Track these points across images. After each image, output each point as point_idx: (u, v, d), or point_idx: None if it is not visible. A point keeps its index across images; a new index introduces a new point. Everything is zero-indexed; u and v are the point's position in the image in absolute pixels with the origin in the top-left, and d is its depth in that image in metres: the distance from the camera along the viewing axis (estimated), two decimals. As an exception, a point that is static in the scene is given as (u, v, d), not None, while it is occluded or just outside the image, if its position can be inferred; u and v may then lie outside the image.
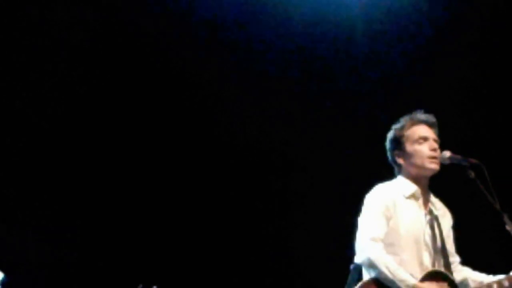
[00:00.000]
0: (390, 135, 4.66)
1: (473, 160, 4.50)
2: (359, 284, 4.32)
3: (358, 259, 4.36)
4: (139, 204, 6.77)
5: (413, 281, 4.27)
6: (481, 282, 4.56)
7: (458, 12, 7.00)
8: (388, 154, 4.66)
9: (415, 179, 4.56)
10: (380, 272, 4.25)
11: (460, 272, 4.65)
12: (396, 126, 4.65)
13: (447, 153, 4.54)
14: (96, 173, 6.75)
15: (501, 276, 4.56)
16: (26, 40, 6.60)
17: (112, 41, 6.86)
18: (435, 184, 4.67)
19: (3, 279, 4.57)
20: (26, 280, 5.89)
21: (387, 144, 4.66)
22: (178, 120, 7.01)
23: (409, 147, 4.54)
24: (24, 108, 6.62)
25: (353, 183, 5.31)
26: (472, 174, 4.46)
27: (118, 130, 6.84)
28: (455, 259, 4.67)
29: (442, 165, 4.55)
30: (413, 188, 4.54)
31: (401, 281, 4.23)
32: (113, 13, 6.81)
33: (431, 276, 4.39)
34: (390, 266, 4.25)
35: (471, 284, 4.60)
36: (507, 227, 4.40)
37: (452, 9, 6.99)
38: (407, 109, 4.69)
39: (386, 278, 4.24)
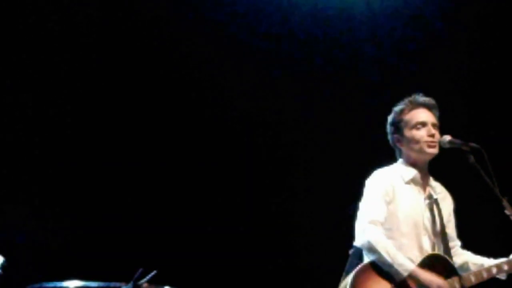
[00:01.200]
0: (390, 118, 4.66)
1: (473, 145, 4.50)
2: (358, 267, 4.32)
3: (357, 242, 4.38)
4: (140, 188, 6.75)
5: (411, 266, 4.28)
6: (481, 266, 4.58)
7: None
8: (389, 137, 4.67)
9: (415, 164, 4.56)
10: (379, 255, 4.26)
11: (461, 256, 4.66)
12: (395, 110, 4.64)
13: (447, 137, 4.55)
14: (98, 158, 6.73)
15: (500, 260, 4.59)
16: (27, 37, 6.58)
17: (111, 35, 6.84)
18: (435, 168, 4.66)
19: (3, 263, 4.56)
20: (26, 264, 5.90)
21: (388, 128, 4.66)
22: (179, 110, 6.98)
23: (407, 132, 4.55)
24: (22, 97, 6.62)
25: (353, 169, 5.29)
26: (472, 159, 4.46)
27: (118, 118, 6.83)
28: (455, 243, 4.68)
29: (442, 149, 4.55)
30: (412, 172, 4.54)
31: (400, 265, 4.25)
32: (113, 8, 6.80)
33: (429, 260, 4.40)
34: (389, 250, 4.26)
35: (472, 267, 4.61)
36: (507, 212, 4.42)
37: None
38: (408, 93, 4.68)
39: (385, 261, 4.25)
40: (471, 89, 6.97)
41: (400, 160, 4.63)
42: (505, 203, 4.43)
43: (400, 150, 4.63)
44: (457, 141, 4.54)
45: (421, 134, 4.51)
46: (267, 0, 6.97)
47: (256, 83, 6.99)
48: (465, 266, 4.62)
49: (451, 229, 4.65)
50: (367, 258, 4.38)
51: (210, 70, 7.00)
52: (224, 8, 6.96)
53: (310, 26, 7.08)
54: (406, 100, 4.63)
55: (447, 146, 4.55)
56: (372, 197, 4.44)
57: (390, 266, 4.25)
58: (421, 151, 4.51)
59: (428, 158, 4.56)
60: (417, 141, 4.50)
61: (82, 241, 6.50)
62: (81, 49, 6.74)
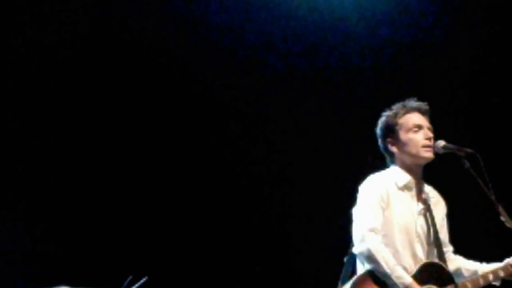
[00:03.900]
0: (382, 122, 4.58)
1: (468, 150, 4.45)
2: (354, 278, 4.28)
3: (356, 249, 4.31)
4: (129, 194, 6.72)
5: (409, 280, 4.23)
6: (475, 271, 4.54)
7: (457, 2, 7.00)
8: (380, 142, 4.59)
9: (409, 168, 4.50)
10: (378, 265, 4.21)
11: (453, 261, 4.60)
12: (388, 113, 4.57)
13: (441, 143, 4.49)
14: (88, 164, 6.72)
15: (495, 265, 4.55)
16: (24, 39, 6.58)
17: (109, 40, 6.84)
18: (430, 174, 4.61)
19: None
20: (15, 271, 5.90)
21: (379, 132, 4.59)
22: (171, 115, 6.97)
23: (403, 136, 4.48)
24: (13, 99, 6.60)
25: (345, 175, 5.26)
26: (467, 164, 4.42)
27: (110, 124, 6.81)
28: (448, 248, 4.62)
29: (437, 155, 4.49)
30: (406, 178, 4.48)
31: (398, 277, 4.20)
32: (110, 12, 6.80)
33: (426, 268, 4.36)
34: (388, 261, 4.21)
35: (465, 273, 4.57)
36: (502, 218, 4.38)
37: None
38: (402, 98, 4.64)
39: (383, 272, 4.20)
40: (466, 94, 6.97)
41: (393, 166, 4.56)
42: (500, 209, 4.39)
43: (392, 156, 4.55)
44: (452, 146, 4.49)
45: (418, 137, 4.46)
46: (259, 5, 6.93)
47: (252, 89, 6.96)
48: (458, 272, 4.57)
49: (443, 235, 4.59)
50: (361, 266, 4.34)
51: (204, 75, 6.99)
52: (219, 16, 6.96)
53: (303, 32, 7.07)
54: (400, 104, 4.58)
55: (442, 151, 4.50)
56: (368, 203, 4.37)
57: (388, 277, 4.20)
58: (417, 155, 4.45)
59: (423, 162, 4.50)
60: (414, 144, 4.44)
61: (71, 248, 6.47)
62: (77, 52, 6.75)
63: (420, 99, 4.62)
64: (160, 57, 6.88)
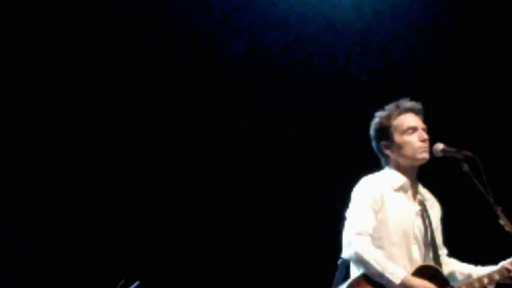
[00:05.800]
0: (375, 125, 4.53)
1: (467, 153, 4.41)
2: (348, 282, 4.24)
3: (345, 254, 4.28)
4: (121, 197, 6.71)
5: (403, 273, 4.19)
6: (468, 275, 4.51)
7: (453, 4, 6.98)
8: (374, 144, 4.54)
9: (404, 170, 4.46)
10: (368, 265, 4.17)
11: (447, 264, 4.58)
12: (381, 115, 4.52)
13: (440, 146, 4.46)
14: (80, 167, 6.71)
15: (490, 268, 4.51)
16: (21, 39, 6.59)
17: (105, 38, 6.83)
18: (428, 176, 4.57)
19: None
20: (8, 275, 5.89)
21: (373, 134, 4.54)
22: (163, 116, 6.96)
23: (398, 138, 4.43)
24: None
25: (340, 176, 5.22)
26: (466, 167, 4.38)
27: (104, 125, 6.80)
28: (442, 251, 4.60)
29: (435, 157, 4.45)
30: (402, 180, 4.45)
31: (391, 274, 4.16)
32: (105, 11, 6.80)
33: (421, 270, 4.31)
34: (379, 259, 4.18)
35: (459, 277, 4.54)
36: (501, 221, 4.34)
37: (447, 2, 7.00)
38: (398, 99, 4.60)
39: (375, 271, 4.16)
40: (465, 96, 6.94)
41: (388, 167, 4.52)
42: (499, 212, 4.35)
43: (387, 157, 4.51)
44: (451, 149, 4.45)
45: (413, 139, 4.41)
46: (254, 7, 6.93)
47: (243, 89, 6.94)
48: (452, 276, 4.54)
49: (438, 237, 4.55)
50: (355, 270, 4.30)
51: (202, 80, 6.99)
52: (215, 18, 6.96)
53: (300, 34, 7.05)
54: (392, 105, 4.53)
55: (440, 154, 4.46)
56: (359, 207, 4.34)
57: (381, 276, 4.16)
58: (413, 157, 4.41)
59: (419, 164, 4.46)
60: (410, 147, 4.40)
61: (64, 252, 6.46)
62: (74, 51, 6.75)
63: (418, 101, 4.58)
64: (156, 56, 6.89)
